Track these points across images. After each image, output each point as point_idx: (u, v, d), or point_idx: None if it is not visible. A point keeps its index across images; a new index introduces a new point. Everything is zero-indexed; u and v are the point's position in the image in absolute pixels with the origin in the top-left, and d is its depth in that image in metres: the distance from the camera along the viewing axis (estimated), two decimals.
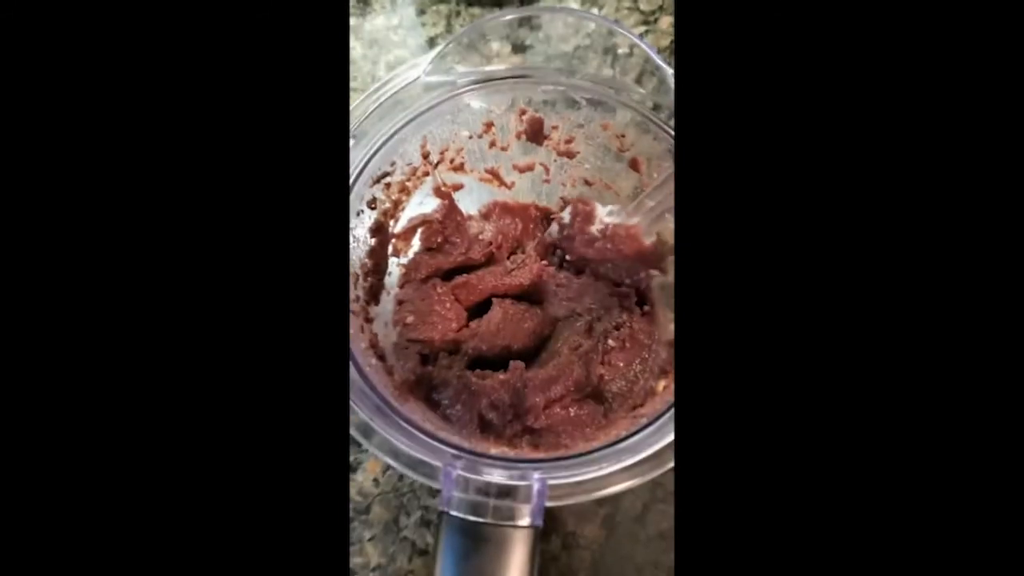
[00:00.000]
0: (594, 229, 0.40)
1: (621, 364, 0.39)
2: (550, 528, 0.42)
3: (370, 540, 0.43)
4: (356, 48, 0.56)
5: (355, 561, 0.43)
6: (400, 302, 0.40)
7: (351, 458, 0.44)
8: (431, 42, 0.57)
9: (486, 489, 0.27)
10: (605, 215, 0.40)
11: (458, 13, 0.58)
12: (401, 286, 0.41)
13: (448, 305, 0.41)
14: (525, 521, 0.26)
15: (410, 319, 0.40)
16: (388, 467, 0.44)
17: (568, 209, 0.42)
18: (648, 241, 0.39)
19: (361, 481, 0.44)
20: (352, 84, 0.55)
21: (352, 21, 0.57)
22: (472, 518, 0.26)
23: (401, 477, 0.45)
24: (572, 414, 0.37)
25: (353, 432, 0.29)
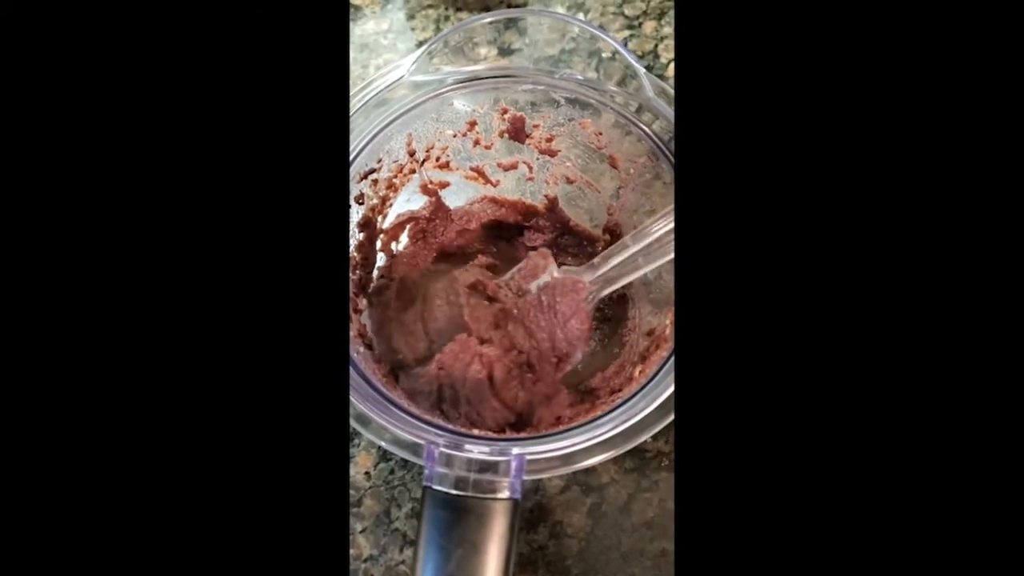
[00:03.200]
0: (534, 284, 0.40)
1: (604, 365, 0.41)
2: (538, 518, 0.44)
3: (362, 532, 0.45)
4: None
5: None
6: (370, 300, 0.42)
7: None
8: (420, 46, 0.59)
9: (467, 465, 0.29)
10: (556, 272, 0.40)
11: (447, 18, 0.60)
12: (379, 277, 0.43)
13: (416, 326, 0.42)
14: (505, 494, 0.29)
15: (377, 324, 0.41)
16: (379, 461, 0.46)
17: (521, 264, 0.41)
18: (587, 307, 0.38)
19: (353, 475, 0.46)
20: None
21: None
22: (454, 492, 0.28)
23: (392, 471, 0.46)
24: (566, 416, 0.39)
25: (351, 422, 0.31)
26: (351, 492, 0.46)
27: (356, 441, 0.47)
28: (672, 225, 0.35)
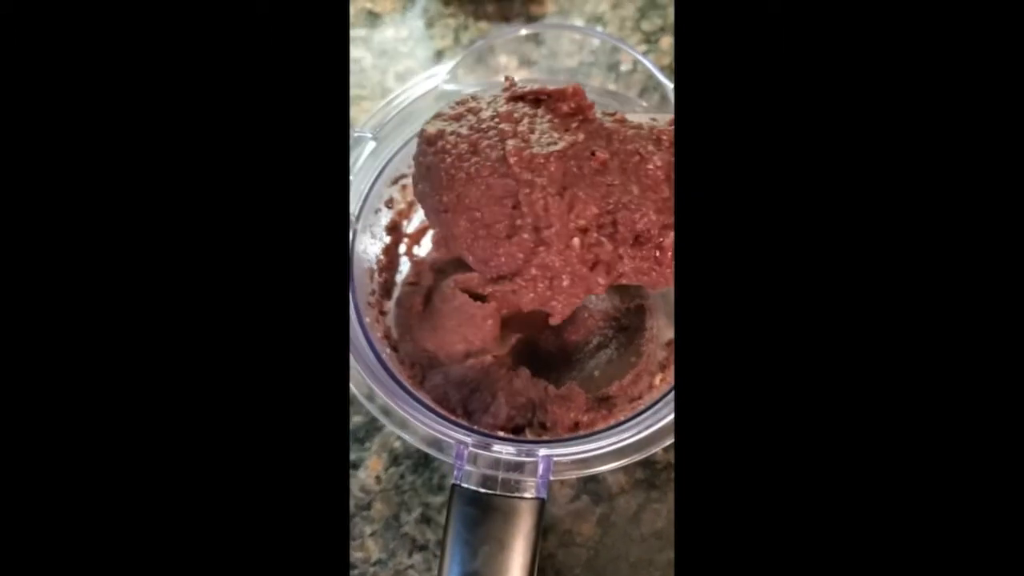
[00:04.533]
0: (634, 118, 0.30)
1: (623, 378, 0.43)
2: (547, 526, 0.45)
3: (371, 535, 0.46)
4: (367, 58, 0.61)
5: (356, 556, 0.45)
6: (398, 303, 0.43)
7: (354, 456, 0.47)
8: (439, 54, 0.61)
9: (495, 464, 0.31)
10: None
11: (466, 27, 0.62)
12: (407, 283, 0.44)
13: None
14: (531, 493, 0.30)
15: (403, 328, 0.43)
16: (389, 465, 0.48)
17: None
18: None
19: (363, 478, 0.47)
20: (362, 92, 0.59)
21: (363, 32, 0.62)
22: (482, 490, 0.30)
23: (403, 475, 0.48)
24: (582, 420, 0.40)
25: (375, 412, 0.32)
26: (361, 495, 0.47)
27: (367, 445, 0.48)
28: None
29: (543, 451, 0.31)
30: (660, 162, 0.29)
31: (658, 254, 0.29)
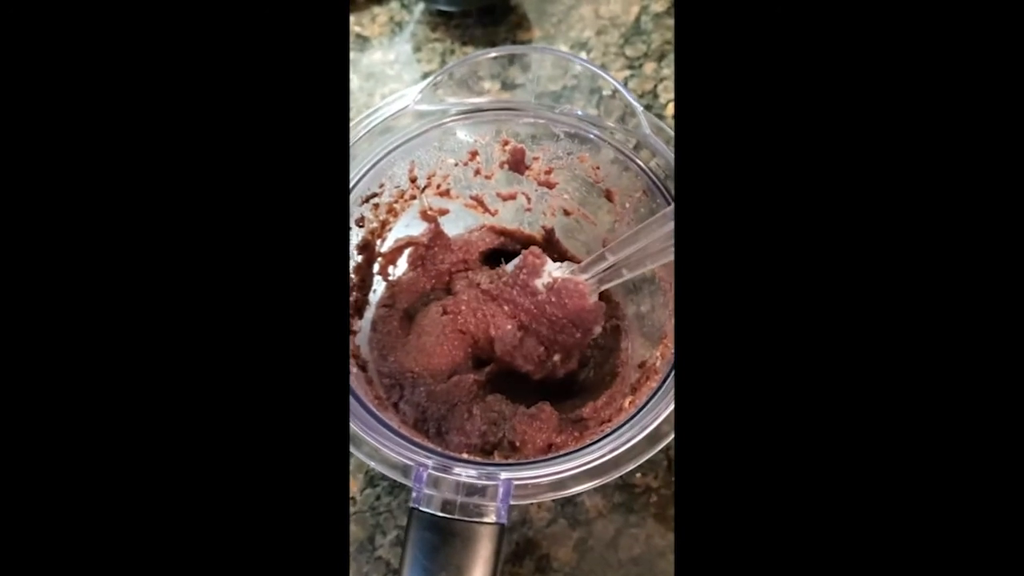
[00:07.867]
0: (539, 283, 0.42)
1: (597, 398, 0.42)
2: (524, 551, 0.44)
3: None
4: (353, 80, 0.61)
5: None
6: (374, 326, 0.43)
7: None
8: (426, 77, 0.61)
9: (455, 488, 0.30)
10: (554, 270, 0.42)
11: (452, 51, 0.62)
12: (382, 305, 0.44)
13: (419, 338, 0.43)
14: (491, 518, 0.29)
15: (383, 349, 0.43)
16: (365, 486, 0.47)
17: (516, 260, 0.43)
18: (591, 300, 0.41)
19: None
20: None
21: (351, 55, 0.62)
22: (441, 514, 0.29)
23: (378, 496, 0.47)
24: (556, 441, 0.39)
25: None
26: None
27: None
28: (649, 240, 0.37)
29: (504, 474, 0.30)
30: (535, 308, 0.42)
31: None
